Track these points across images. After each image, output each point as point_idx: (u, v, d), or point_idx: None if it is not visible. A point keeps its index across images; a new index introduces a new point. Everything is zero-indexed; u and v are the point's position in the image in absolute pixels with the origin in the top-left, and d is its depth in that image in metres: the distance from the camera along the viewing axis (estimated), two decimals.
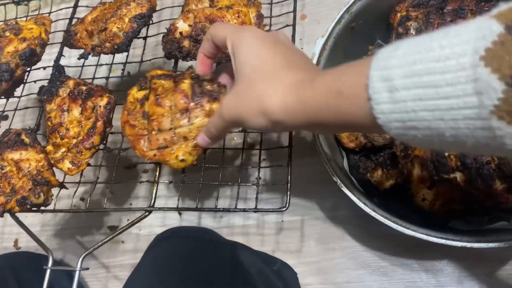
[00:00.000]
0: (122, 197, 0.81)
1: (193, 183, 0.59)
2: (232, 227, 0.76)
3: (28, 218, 0.80)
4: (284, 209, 0.51)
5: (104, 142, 0.60)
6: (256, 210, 0.52)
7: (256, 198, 0.54)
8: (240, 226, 0.76)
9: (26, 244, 0.82)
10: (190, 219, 0.78)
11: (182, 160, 0.50)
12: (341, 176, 0.57)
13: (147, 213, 0.54)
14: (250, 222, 0.76)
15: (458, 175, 0.54)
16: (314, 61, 0.60)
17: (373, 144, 0.62)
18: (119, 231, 0.53)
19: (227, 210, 0.55)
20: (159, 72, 0.53)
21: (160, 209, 0.55)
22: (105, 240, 0.53)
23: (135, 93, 0.53)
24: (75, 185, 0.62)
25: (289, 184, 0.53)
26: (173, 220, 0.79)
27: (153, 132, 0.51)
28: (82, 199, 0.82)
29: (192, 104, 0.49)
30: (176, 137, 0.50)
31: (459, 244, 0.51)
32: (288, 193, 0.52)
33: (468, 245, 0.50)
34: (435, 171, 0.54)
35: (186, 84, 0.50)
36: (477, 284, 0.65)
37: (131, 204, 0.80)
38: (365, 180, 0.63)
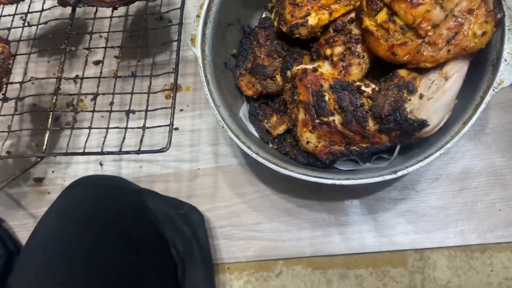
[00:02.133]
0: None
1: (84, 128, 0.61)
2: (152, 176, 0.79)
3: None
4: (165, 149, 0.53)
5: (3, 92, 0.61)
6: (138, 152, 0.54)
7: (141, 140, 0.56)
8: (159, 175, 0.79)
9: None
10: (110, 170, 0.80)
11: None
12: (231, 123, 0.59)
13: (39, 159, 0.56)
14: (169, 171, 0.79)
15: (336, 118, 0.56)
16: (205, 6, 0.60)
17: (267, 90, 0.63)
18: (10, 179, 0.55)
19: (110, 153, 0.57)
20: None
21: (49, 154, 0.57)
22: None
23: None
24: None
25: (171, 126, 0.55)
26: (95, 172, 0.81)
27: None
28: (8, 152, 0.84)
29: None
30: None
31: (329, 181, 0.54)
32: (170, 134, 0.54)
33: (337, 182, 0.53)
34: (316, 115, 0.57)
35: None
36: (373, 223, 0.70)
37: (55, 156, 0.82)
38: (262, 126, 0.65)
